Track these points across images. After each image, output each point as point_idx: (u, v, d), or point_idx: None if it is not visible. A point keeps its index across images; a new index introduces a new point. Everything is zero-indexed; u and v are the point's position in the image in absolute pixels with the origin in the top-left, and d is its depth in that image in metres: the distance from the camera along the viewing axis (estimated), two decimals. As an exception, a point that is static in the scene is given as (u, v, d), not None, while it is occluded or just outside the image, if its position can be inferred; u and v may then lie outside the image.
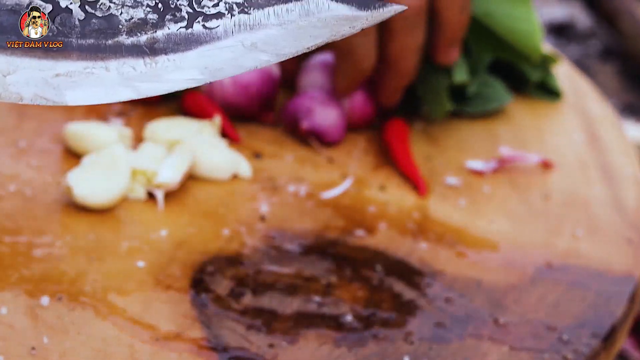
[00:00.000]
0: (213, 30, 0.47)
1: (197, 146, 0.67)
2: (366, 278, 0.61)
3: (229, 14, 0.47)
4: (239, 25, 0.47)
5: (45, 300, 0.55)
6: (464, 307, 0.59)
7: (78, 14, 0.46)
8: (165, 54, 0.47)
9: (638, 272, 0.65)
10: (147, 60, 0.47)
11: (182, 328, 0.54)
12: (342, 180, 0.70)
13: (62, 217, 0.62)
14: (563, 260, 0.65)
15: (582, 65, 2.16)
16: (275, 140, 0.74)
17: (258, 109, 0.74)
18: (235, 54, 0.47)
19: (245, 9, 0.47)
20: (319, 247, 0.63)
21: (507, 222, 0.68)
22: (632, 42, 2.11)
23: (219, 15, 0.47)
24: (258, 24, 0.47)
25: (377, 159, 0.74)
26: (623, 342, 0.64)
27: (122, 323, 0.54)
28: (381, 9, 0.47)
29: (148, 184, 0.63)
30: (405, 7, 0.49)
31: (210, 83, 0.72)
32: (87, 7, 0.46)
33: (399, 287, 0.60)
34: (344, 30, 0.47)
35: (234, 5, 0.47)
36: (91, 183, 0.62)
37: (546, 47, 0.88)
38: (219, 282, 0.58)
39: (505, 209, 0.70)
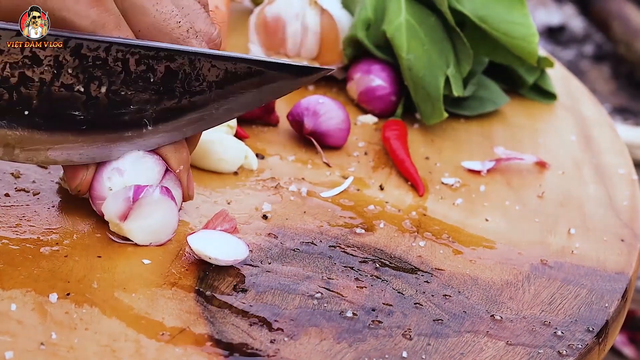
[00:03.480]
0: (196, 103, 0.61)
1: (207, 138, 0.68)
2: (366, 275, 0.61)
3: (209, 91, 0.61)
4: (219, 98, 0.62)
5: (53, 297, 0.55)
6: (461, 303, 0.60)
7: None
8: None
9: (630, 270, 0.66)
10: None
11: (187, 324, 0.55)
12: (342, 181, 0.71)
13: (70, 216, 0.62)
14: (557, 258, 0.66)
15: (575, 67, 2.18)
16: (277, 142, 0.75)
17: (260, 113, 0.76)
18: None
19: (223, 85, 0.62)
20: (319, 245, 0.64)
21: (502, 221, 0.69)
22: (623, 46, 2.13)
23: (201, 92, 0.61)
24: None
25: (376, 160, 0.75)
26: (616, 337, 0.64)
27: (129, 319, 0.55)
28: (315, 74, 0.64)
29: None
30: (333, 68, 0.69)
31: None
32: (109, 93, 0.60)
33: (397, 284, 0.61)
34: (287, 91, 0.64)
35: (213, 84, 0.61)
36: None
37: (541, 50, 0.89)
38: (222, 279, 0.59)
39: (501, 208, 0.71)
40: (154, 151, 0.62)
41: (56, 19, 0.57)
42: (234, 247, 0.60)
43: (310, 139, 0.75)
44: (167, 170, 0.62)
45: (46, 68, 0.57)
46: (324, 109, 0.74)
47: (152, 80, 0.60)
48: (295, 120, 0.75)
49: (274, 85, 0.62)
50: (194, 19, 0.62)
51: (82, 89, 0.58)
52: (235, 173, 0.70)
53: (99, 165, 0.61)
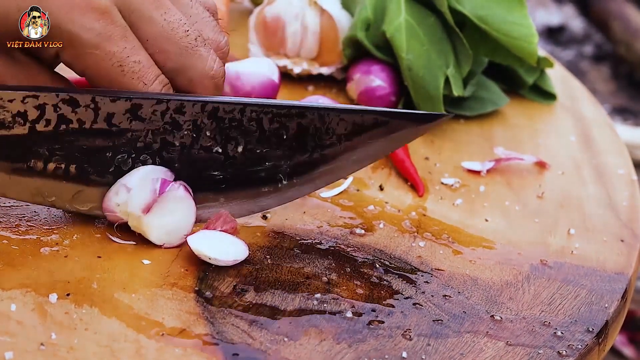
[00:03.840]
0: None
1: None
2: (366, 275, 0.61)
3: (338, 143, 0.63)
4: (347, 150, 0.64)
5: (53, 297, 0.55)
6: (461, 303, 0.60)
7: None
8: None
9: (630, 270, 0.66)
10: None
11: (187, 324, 0.55)
12: (342, 181, 0.71)
13: (70, 216, 0.62)
14: (557, 258, 0.66)
15: (575, 68, 2.18)
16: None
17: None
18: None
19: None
20: (319, 246, 0.64)
21: (502, 221, 0.69)
22: (623, 46, 2.13)
23: (331, 145, 0.63)
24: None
25: (376, 160, 0.75)
26: (616, 337, 0.64)
27: (129, 319, 0.55)
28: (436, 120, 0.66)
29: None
30: (453, 114, 0.71)
31: None
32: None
33: (397, 284, 0.61)
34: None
35: (342, 137, 0.63)
36: None
37: (540, 50, 0.89)
38: (222, 279, 0.59)
39: (500, 208, 0.71)
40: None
41: (62, 32, 0.57)
42: (234, 248, 0.60)
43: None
44: (164, 183, 0.61)
45: (186, 132, 0.60)
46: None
47: (285, 137, 0.62)
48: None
49: (399, 134, 0.64)
50: (202, 27, 0.62)
51: (220, 150, 0.61)
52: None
53: None
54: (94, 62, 0.58)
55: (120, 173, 0.60)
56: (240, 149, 0.61)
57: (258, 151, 0.62)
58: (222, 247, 0.60)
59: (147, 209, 0.60)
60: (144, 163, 0.60)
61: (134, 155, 0.60)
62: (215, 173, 0.62)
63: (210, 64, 0.62)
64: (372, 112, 0.63)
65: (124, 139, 0.59)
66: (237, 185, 0.63)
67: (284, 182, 0.63)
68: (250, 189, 0.63)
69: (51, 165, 0.59)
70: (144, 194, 0.60)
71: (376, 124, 0.63)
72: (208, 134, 0.60)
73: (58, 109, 0.58)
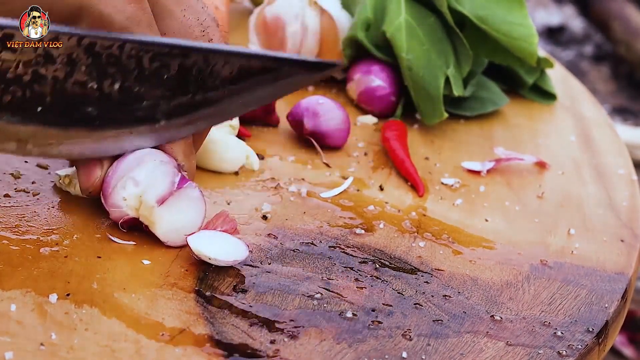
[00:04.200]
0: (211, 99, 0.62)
1: (209, 138, 0.68)
2: (366, 275, 0.62)
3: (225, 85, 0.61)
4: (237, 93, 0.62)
5: (53, 297, 0.55)
6: (461, 304, 0.60)
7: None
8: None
9: (630, 270, 0.66)
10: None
11: (187, 324, 0.55)
12: (342, 181, 0.71)
13: (70, 217, 0.62)
14: (557, 258, 0.66)
15: (575, 68, 2.18)
16: (277, 142, 0.75)
17: (260, 113, 0.76)
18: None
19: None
20: (319, 246, 0.64)
21: (502, 221, 0.70)
22: (623, 46, 2.13)
23: (215, 88, 0.61)
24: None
25: (376, 160, 0.75)
26: (616, 338, 0.65)
27: (129, 319, 0.55)
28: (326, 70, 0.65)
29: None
30: (342, 63, 0.71)
31: None
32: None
33: (397, 284, 0.61)
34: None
35: (227, 80, 0.61)
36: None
37: (540, 50, 0.89)
38: (222, 279, 0.59)
39: (500, 208, 0.71)
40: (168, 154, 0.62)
41: (93, 13, 0.57)
42: (234, 248, 0.60)
43: (310, 139, 0.75)
44: (182, 179, 0.61)
45: (59, 66, 0.57)
46: (323, 110, 0.74)
47: (165, 77, 0.60)
48: (295, 121, 0.75)
49: (288, 81, 0.62)
50: (213, 32, 0.63)
51: (95, 86, 0.58)
52: (236, 173, 0.70)
53: (113, 170, 0.61)
54: None
55: None
56: (117, 86, 0.59)
57: (136, 90, 0.59)
58: (222, 247, 0.60)
59: (162, 201, 0.60)
60: (14, 95, 0.57)
61: (2, 86, 0.57)
62: (89, 109, 0.59)
63: None
64: (260, 57, 0.61)
65: None
66: (112, 123, 0.60)
67: (162, 123, 0.61)
68: (125, 127, 0.60)
69: None
70: (163, 184, 0.60)
71: (263, 70, 0.61)
72: (83, 69, 0.58)
73: None
